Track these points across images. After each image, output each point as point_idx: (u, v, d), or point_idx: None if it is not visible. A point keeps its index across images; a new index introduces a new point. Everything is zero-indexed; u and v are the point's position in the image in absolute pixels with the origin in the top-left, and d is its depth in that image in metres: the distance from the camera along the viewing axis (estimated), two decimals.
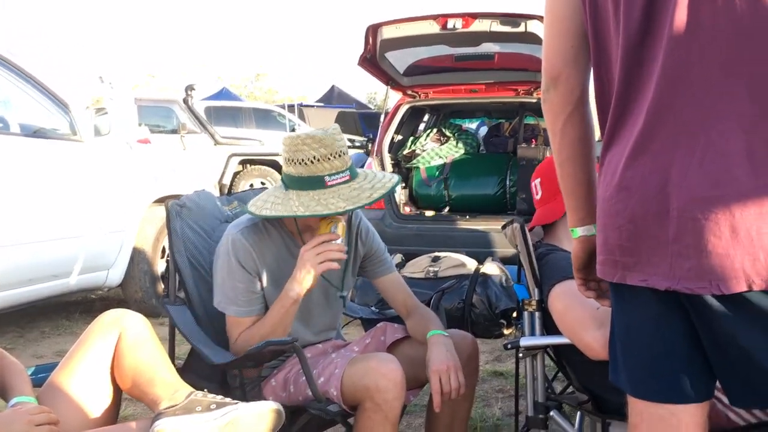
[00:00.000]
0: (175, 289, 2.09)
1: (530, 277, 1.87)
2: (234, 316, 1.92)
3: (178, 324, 1.96)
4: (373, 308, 2.50)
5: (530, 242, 1.89)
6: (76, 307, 4.60)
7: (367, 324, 2.35)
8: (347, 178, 1.86)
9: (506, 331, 4.17)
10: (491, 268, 4.33)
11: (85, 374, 1.67)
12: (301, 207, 1.83)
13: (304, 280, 1.84)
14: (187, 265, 2.09)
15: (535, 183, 2.04)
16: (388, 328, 2.09)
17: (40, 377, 1.77)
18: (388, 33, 4.49)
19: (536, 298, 1.86)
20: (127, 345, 1.68)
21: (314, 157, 1.82)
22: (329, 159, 1.83)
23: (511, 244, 2.04)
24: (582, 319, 1.66)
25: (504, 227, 2.07)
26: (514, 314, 4.14)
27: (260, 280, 1.94)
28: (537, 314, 1.86)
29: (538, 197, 2.03)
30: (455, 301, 4.10)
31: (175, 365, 1.96)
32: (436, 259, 4.38)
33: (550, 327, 1.86)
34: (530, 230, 1.98)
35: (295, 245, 1.98)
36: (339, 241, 1.85)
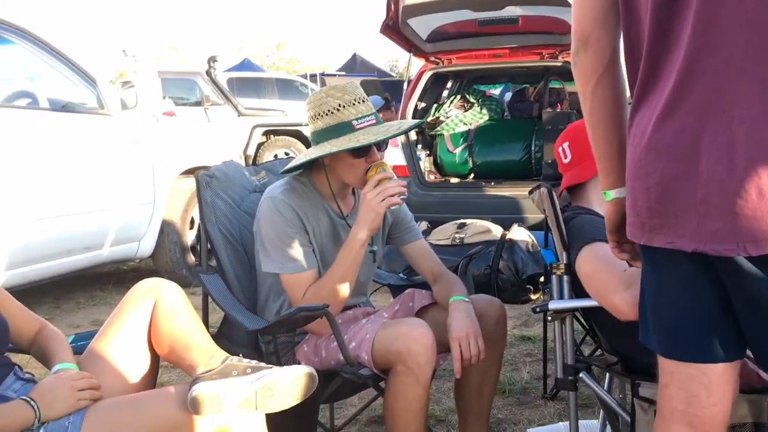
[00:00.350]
0: (206, 258, 2.13)
1: (558, 240, 1.87)
2: (293, 273, 1.91)
3: (212, 292, 2.00)
4: (401, 275, 2.52)
5: (558, 206, 1.88)
6: (109, 279, 4.70)
7: (395, 290, 2.37)
8: (374, 121, 1.91)
9: (533, 296, 4.19)
10: (518, 233, 4.33)
11: (123, 341, 1.71)
12: (333, 147, 1.86)
13: (370, 221, 1.86)
14: (218, 234, 2.12)
15: (563, 147, 2.01)
16: (416, 295, 2.11)
17: (80, 345, 1.82)
18: None
19: (564, 262, 1.86)
20: (162, 313, 1.72)
21: (340, 105, 1.88)
22: (354, 104, 1.88)
23: (539, 208, 2.04)
24: (610, 280, 1.66)
25: (531, 192, 2.06)
26: (541, 279, 4.15)
27: (308, 235, 1.96)
28: (565, 278, 1.86)
29: (566, 161, 2.01)
30: (482, 267, 4.12)
31: (209, 331, 2.02)
32: (461, 226, 4.39)
33: (578, 290, 1.86)
34: (559, 195, 1.97)
35: (332, 210, 2.01)
36: (394, 178, 1.89)
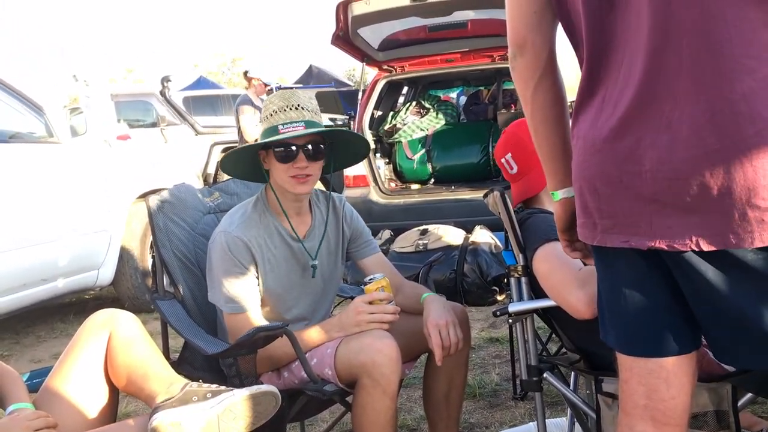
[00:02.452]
0: (163, 284, 2.09)
1: (514, 243, 1.88)
2: (233, 314, 1.90)
3: (169, 318, 1.96)
4: (362, 287, 2.51)
5: (512, 209, 1.90)
6: (70, 309, 4.60)
7: None
8: (302, 127, 1.90)
9: (499, 297, 4.21)
10: (480, 236, 4.36)
11: (79, 376, 1.67)
12: (246, 145, 1.92)
13: (351, 330, 1.86)
14: (173, 258, 2.09)
15: (506, 158, 2.01)
16: None
17: (36, 382, 1.77)
18: (358, 9, 4.45)
19: (521, 264, 1.87)
20: (118, 343, 1.69)
21: (274, 110, 1.92)
22: (285, 110, 1.91)
23: (494, 211, 2.05)
24: (565, 280, 1.68)
25: (485, 196, 2.07)
26: (506, 280, 4.18)
27: (257, 271, 1.94)
28: (524, 279, 1.87)
29: (513, 172, 2.01)
30: (446, 271, 4.14)
31: (170, 359, 1.98)
32: (424, 232, 4.40)
33: (538, 290, 1.87)
34: (514, 206, 1.99)
35: (286, 233, 2.00)
36: (392, 303, 1.91)
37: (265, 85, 6.86)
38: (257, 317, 1.92)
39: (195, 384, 1.58)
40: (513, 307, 1.84)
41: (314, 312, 2.09)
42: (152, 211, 2.07)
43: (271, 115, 1.92)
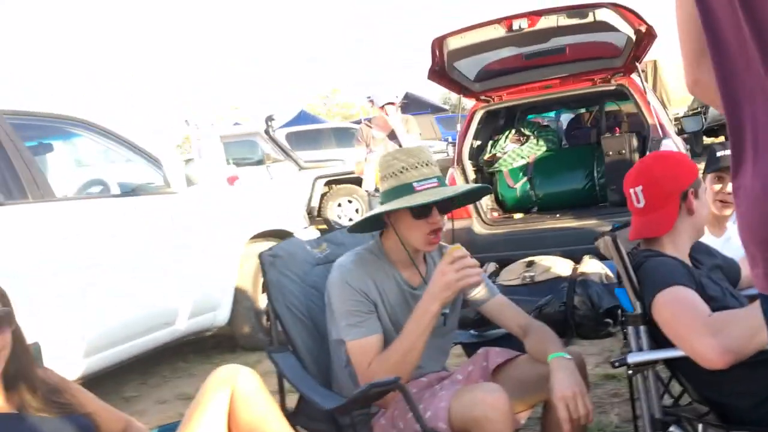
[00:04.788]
0: (277, 338, 2.16)
1: (630, 290, 1.82)
2: (356, 339, 1.93)
3: (285, 371, 2.02)
4: (472, 332, 2.49)
5: (625, 255, 1.83)
6: (190, 348, 4.81)
7: (468, 348, 2.34)
8: (436, 184, 1.93)
9: (613, 330, 4.05)
10: (589, 266, 4.21)
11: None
12: (389, 207, 1.92)
13: (444, 296, 1.86)
14: (286, 312, 2.16)
15: (636, 190, 1.91)
16: (491, 353, 2.08)
17: None
18: (454, 43, 4.47)
19: (639, 312, 1.80)
20: (240, 401, 1.75)
21: (403, 167, 1.93)
22: (417, 167, 1.93)
23: (606, 256, 1.98)
24: (693, 326, 1.60)
25: (596, 239, 2.01)
26: (620, 311, 4.02)
27: (375, 308, 1.97)
28: (642, 328, 1.80)
29: (639, 205, 1.92)
30: (556, 304, 4.02)
31: (286, 411, 2.03)
32: (530, 264, 4.30)
33: (658, 338, 1.79)
34: (631, 240, 1.92)
35: (402, 280, 2.03)
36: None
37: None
38: (379, 342, 1.93)
39: None
40: (632, 358, 1.77)
41: (428, 358, 2.08)
42: (265, 267, 2.15)
43: (401, 172, 1.93)
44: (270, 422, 1.71)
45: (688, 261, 1.93)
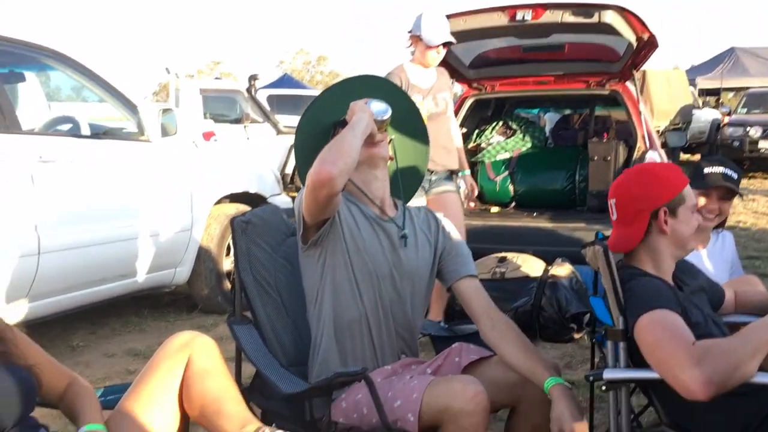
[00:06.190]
0: (240, 308, 2.06)
1: (614, 304, 1.75)
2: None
3: (244, 346, 1.92)
4: (442, 324, 2.42)
5: (614, 268, 1.76)
6: (145, 303, 4.68)
7: (437, 342, 2.27)
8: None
9: (576, 336, 4.03)
10: (561, 270, 4.18)
11: (154, 400, 1.65)
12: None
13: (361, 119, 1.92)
14: (252, 282, 2.05)
15: (611, 203, 1.92)
16: (465, 350, 1.99)
17: (110, 399, 1.76)
18: (454, 26, 4.33)
19: (621, 327, 1.73)
20: (195, 372, 1.66)
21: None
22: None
23: (592, 265, 1.92)
24: (676, 354, 1.54)
25: (584, 247, 1.94)
26: (586, 318, 3.99)
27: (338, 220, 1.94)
28: (621, 344, 1.74)
29: (613, 218, 1.93)
30: (525, 303, 3.98)
31: (242, 385, 1.94)
32: (503, 260, 4.25)
33: (635, 357, 1.73)
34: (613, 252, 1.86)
35: (367, 209, 2.02)
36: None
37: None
38: None
39: (268, 429, 1.53)
40: (609, 374, 1.71)
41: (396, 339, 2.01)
42: (236, 234, 2.04)
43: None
44: (225, 400, 1.62)
45: (671, 281, 1.87)
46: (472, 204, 5.29)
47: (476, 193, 4.12)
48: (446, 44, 3.69)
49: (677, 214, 1.84)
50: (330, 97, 2.14)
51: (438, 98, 3.76)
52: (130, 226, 3.83)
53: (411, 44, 3.76)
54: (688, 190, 1.87)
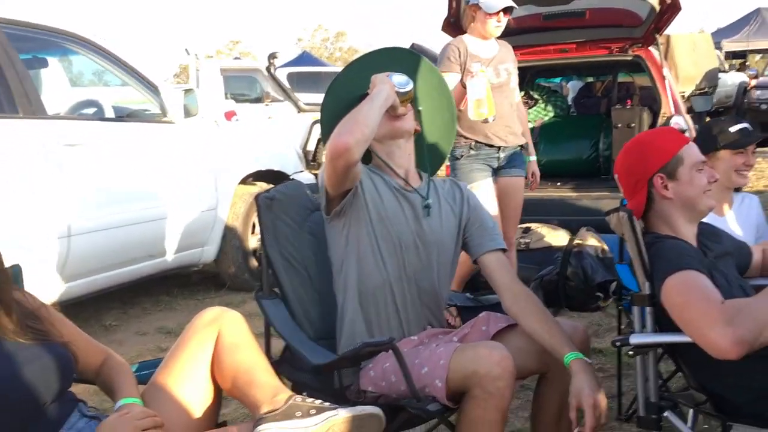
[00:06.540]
0: (269, 284, 2.08)
1: (640, 269, 1.74)
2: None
3: (273, 320, 1.95)
4: (467, 295, 2.42)
5: (639, 233, 1.75)
6: (175, 282, 4.75)
7: (463, 312, 2.28)
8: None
9: (603, 304, 4.02)
10: (586, 238, 4.16)
11: (187, 374, 1.68)
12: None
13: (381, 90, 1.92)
14: (279, 258, 2.07)
15: (616, 178, 1.96)
16: (492, 319, 2.00)
17: (144, 374, 1.80)
18: None
19: (647, 292, 1.73)
20: (225, 346, 1.68)
21: None
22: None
23: (617, 231, 1.91)
24: (706, 313, 1.53)
25: (608, 213, 1.93)
26: (612, 286, 3.98)
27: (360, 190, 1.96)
28: (648, 309, 1.74)
29: (621, 192, 1.96)
30: (549, 271, 3.97)
31: (271, 359, 1.97)
32: (527, 231, 4.25)
33: (662, 321, 1.73)
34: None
35: (391, 180, 2.04)
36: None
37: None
38: None
39: (299, 398, 1.55)
40: (635, 339, 1.71)
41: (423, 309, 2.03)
42: (261, 210, 2.06)
43: None
44: (256, 371, 1.64)
45: (695, 244, 1.86)
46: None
47: (538, 182, 3.89)
48: (507, 11, 3.48)
49: (677, 177, 1.82)
50: (356, 70, 2.13)
51: (500, 69, 3.56)
52: (156, 207, 3.89)
53: (469, 18, 3.58)
54: (687, 150, 1.84)
